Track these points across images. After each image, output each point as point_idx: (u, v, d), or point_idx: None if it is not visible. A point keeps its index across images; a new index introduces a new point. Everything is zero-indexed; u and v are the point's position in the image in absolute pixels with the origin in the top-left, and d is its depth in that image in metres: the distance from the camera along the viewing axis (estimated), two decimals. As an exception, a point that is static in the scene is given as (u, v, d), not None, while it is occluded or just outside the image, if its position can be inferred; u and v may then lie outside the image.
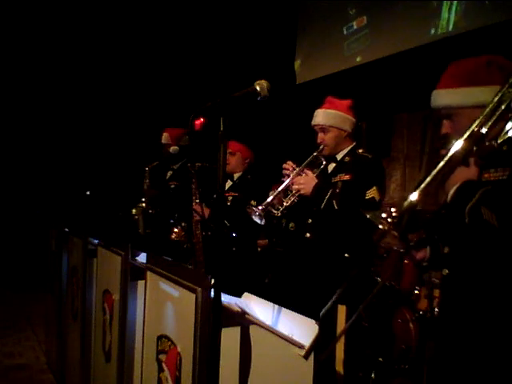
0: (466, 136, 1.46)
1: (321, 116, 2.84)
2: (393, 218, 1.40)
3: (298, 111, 3.03)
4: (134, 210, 4.27)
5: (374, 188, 2.67)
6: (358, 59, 5.41)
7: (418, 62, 4.60)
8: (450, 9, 4.37)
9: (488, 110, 1.47)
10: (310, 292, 2.60)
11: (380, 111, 5.17)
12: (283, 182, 2.75)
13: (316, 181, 2.71)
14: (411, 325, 3.39)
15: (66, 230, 3.50)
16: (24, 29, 6.67)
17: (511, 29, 3.70)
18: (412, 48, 4.68)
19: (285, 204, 2.73)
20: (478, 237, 1.55)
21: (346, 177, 2.74)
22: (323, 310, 1.44)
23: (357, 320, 3.30)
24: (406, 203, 1.40)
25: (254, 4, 6.32)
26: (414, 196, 1.41)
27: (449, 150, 1.51)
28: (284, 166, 2.79)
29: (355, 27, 5.44)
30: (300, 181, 2.72)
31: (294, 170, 2.76)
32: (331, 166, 2.86)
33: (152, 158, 4.43)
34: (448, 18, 4.38)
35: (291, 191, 2.74)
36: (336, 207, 2.63)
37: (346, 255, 2.69)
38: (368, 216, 1.49)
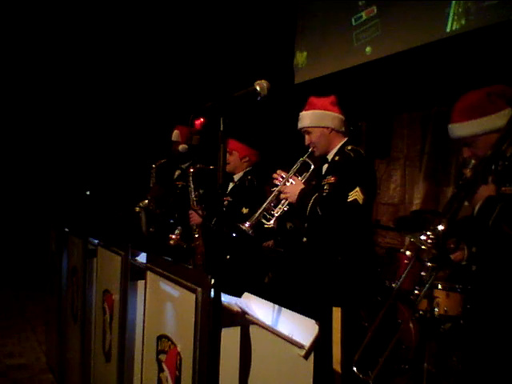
0: (485, 158, 1.75)
1: (302, 119, 2.83)
2: (432, 239, 1.65)
3: (296, 111, 3.01)
4: (136, 208, 4.24)
5: (357, 189, 2.55)
6: (367, 49, 5.32)
7: (417, 63, 4.60)
8: (457, 7, 4.35)
9: (501, 134, 1.76)
10: (306, 294, 2.57)
11: (380, 111, 5.17)
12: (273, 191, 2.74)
13: (302, 187, 2.68)
14: (411, 325, 3.39)
15: (66, 229, 3.50)
16: (24, 29, 6.67)
17: (506, 30, 3.70)
18: (411, 48, 4.67)
19: (275, 214, 2.71)
20: (501, 244, 1.85)
21: (332, 179, 2.67)
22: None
23: (357, 320, 3.30)
24: (440, 229, 1.65)
25: (254, 4, 6.32)
26: (443, 225, 1.66)
27: (472, 169, 1.83)
28: (274, 175, 2.77)
29: (364, 17, 5.37)
30: (286, 189, 2.70)
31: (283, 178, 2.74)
32: (324, 168, 2.80)
33: (159, 155, 4.40)
34: (455, 17, 4.34)
35: (280, 200, 2.72)
36: (320, 213, 2.57)
37: (339, 258, 2.64)
38: (411, 239, 1.75)
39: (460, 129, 2.07)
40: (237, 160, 3.62)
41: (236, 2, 6.46)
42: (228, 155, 3.54)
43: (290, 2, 6.37)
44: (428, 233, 1.65)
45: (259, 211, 2.69)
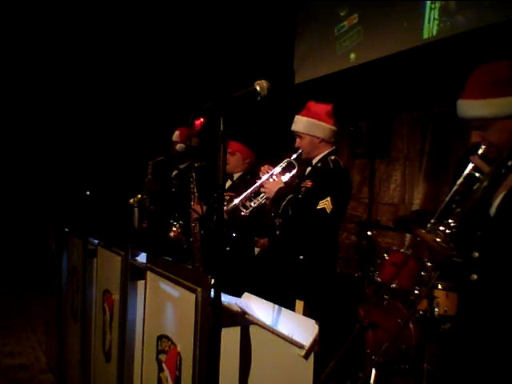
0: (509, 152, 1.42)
1: (296, 123, 2.94)
2: (451, 228, 1.34)
3: (296, 111, 3.04)
4: (131, 200, 4.26)
5: (328, 199, 2.69)
6: (351, 56, 5.45)
7: (417, 62, 4.60)
8: (432, 12, 4.43)
9: None
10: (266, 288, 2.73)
11: (380, 111, 5.17)
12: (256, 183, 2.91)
13: (281, 185, 2.83)
14: (411, 325, 3.39)
15: (66, 229, 3.50)
16: (24, 29, 6.67)
17: (508, 29, 3.70)
18: (412, 48, 4.67)
19: (252, 205, 2.88)
20: None
21: (309, 184, 2.84)
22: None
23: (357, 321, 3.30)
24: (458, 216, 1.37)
25: (254, 4, 6.32)
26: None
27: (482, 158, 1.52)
28: (261, 168, 2.93)
29: (346, 27, 5.53)
30: (267, 185, 2.85)
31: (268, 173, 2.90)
32: (307, 171, 2.96)
33: (157, 154, 4.41)
34: (432, 22, 4.42)
35: (260, 193, 2.90)
36: (290, 212, 2.74)
37: (301, 257, 2.81)
38: (424, 230, 1.39)
39: (478, 107, 1.57)
40: (239, 161, 3.75)
41: (236, 3, 6.46)
42: (230, 156, 3.64)
43: (290, 3, 6.37)
44: (449, 220, 1.30)
45: (239, 199, 2.88)
